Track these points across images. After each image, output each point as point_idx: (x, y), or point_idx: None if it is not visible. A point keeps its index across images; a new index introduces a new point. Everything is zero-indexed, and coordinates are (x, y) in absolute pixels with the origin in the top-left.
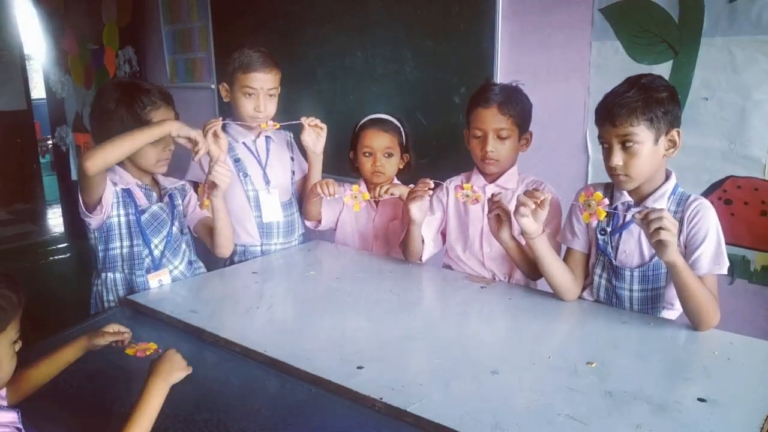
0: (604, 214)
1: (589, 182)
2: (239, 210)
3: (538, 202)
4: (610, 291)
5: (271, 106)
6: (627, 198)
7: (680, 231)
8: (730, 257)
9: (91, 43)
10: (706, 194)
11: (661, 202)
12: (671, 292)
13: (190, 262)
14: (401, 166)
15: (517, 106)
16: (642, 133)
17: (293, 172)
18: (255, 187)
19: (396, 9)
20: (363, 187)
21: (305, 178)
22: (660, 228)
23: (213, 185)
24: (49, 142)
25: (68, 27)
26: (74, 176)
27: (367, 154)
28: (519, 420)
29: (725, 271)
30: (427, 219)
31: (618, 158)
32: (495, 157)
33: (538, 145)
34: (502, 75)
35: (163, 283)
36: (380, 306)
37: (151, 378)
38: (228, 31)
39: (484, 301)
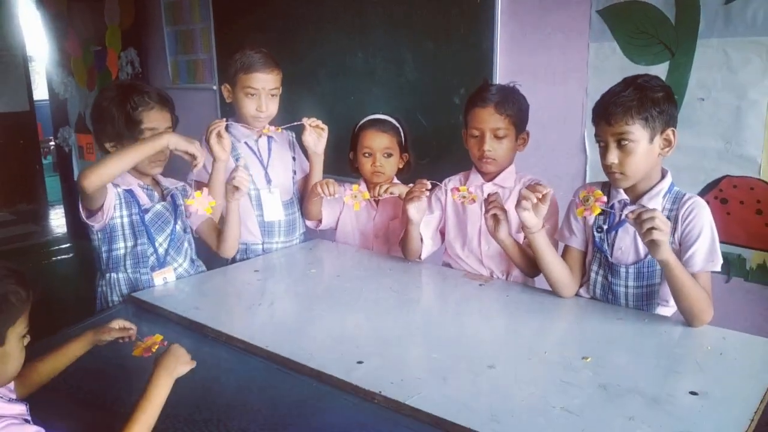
0: (599, 210)
1: (587, 182)
2: (241, 209)
3: (540, 196)
4: (606, 287)
5: (272, 106)
6: (623, 196)
7: (675, 229)
8: (726, 256)
9: (94, 45)
10: (703, 193)
11: (657, 200)
12: (666, 289)
13: (192, 260)
14: (401, 166)
15: (513, 106)
16: (637, 132)
17: (295, 172)
18: (257, 186)
19: (396, 11)
20: (363, 186)
21: (306, 178)
22: (652, 228)
23: (234, 189)
24: (52, 143)
25: (71, 29)
26: (77, 177)
27: (366, 155)
28: (514, 412)
29: (719, 268)
30: (425, 218)
31: (613, 156)
32: (492, 156)
33: (536, 145)
34: (501, 76)
35: (168, 281)
36: (380, 303)
37: (156, 372)
38: (230, 33)
39: (483, 298)
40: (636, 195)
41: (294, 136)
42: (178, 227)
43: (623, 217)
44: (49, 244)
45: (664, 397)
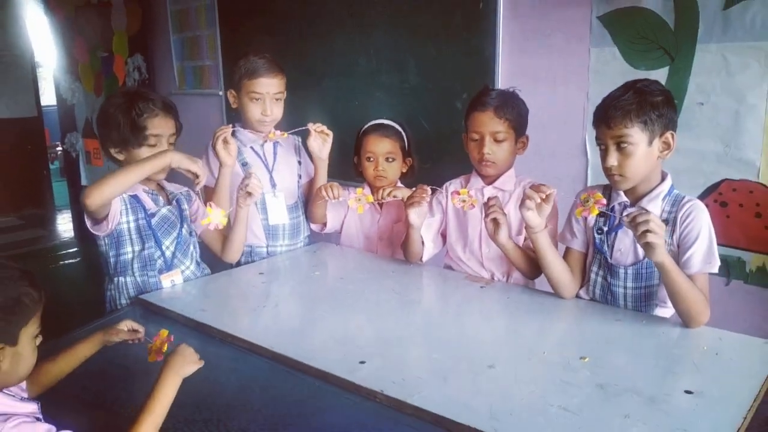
0: (597, 211)
1: (588, 185)
2: None
3: (544, 196)
4: (605, 288)
5: (277, 110)
6: (623, 198)
7: (673, 231)
8: (726, 259)
9: (101, 51)
10: (702, 197)
11: (656, 202)
12: (664, 291)
13: (197, 263)
14: (404, 170)
15: (513, 110)
16: (636, 135)
17: (300, 176)
18: (261, 182)
19: (399, 17)
20: (367, 190)
21: (311, 182)
22: (647, 230)
23: (247, 195)
24: (59, 148)
25: (78, 35)
26: (84, 182)
27: (369, 159)
28: (513, 411)
29: (716, 270)
30: (427, 221)
31: (613, 159)
32: (492, 159)
33: (538, 148)
34: (503, 81)
35: (176, 283)
36: (382, 304)
37: (165, 371)
38: (235, 39)
39: (483, 299)
40: (636, 197)
41: (300, 140)
42: (184, 230)
43: (620, 219)
44: (57, 249)
45: (660, 396)
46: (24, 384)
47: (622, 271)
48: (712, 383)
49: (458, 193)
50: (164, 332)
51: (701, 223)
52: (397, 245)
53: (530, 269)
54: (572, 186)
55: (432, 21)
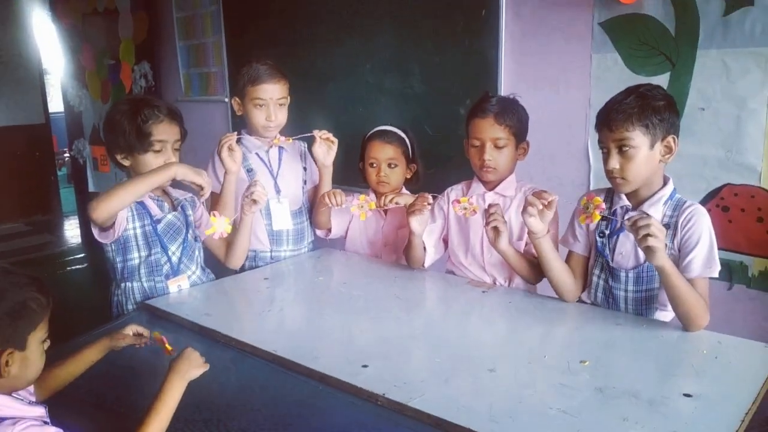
0: (599, 217)
1: (591, 189)
2: None
3: (546, 203)
4: (606, 291)
5: (281, 116)
6: (625, 202)
7: (674, 235)
8: (729, 263)
9: (108, 59)
10: (704, 202)
11: (657, 206)
12: (664, 294)
13: (202, 268)
14: (408, 176)
15: (513, 117)
16: (637, 138)
17: (305, 182)
18: (266, 191)
19: (403, 23)
20: (372, 196)
21: (316, 188)
22: (648, 234)
23: (252, 203)
24: (66, 154)
25: (86, 43)
26: (91, 188)
27: (372, 165)
28: (513, 413)
29: (716, 275)
30: (429, 227)
31: (614, 162)
32: (492, 165)
33: (540, 154)
34: (506, 87)
35: (182, 288)
36: (385, 309)
37: (170, 375)
38: (241, 46)
39: (485, 304)
40: (638, 201)
41: (306, 146)
42: (189, 236)
43: (622, 222)
44: (64, 254)
45: (658, 399)
46: (32, 388)
47: (623, 274)
48: (711, 387)
49: (459, 202)
50: (156, 335)
51: (702, 227)
52: (401, 251)
53: (531, 274)
54: (574, 191)
55: (435, 27)
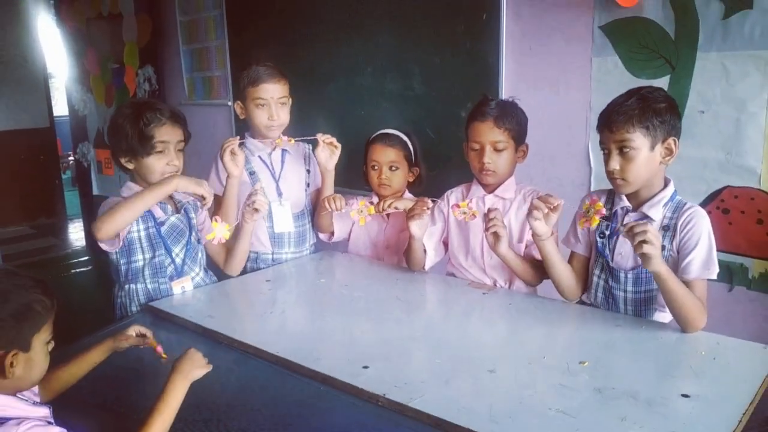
0: (597, 221)
1: (593, 190)
2: None
3: (552, 207)
4: (606, 291)
5: (283, 115)
6: (626, 203)
7: (673, 237)
8: (729, 265)
9: (112, 62)
10: (704, 204)
11: (657, 208)
12: None
13: (205, 270)
14: (411, 179)
15: (512, 120)
16: (638, 140)
17: (308, 185)
18: (268, 198)
19: (404, 27)
20: (375, 198)
21: (319, 191)
22: (644, 241)
23: (254, 211)
24: (71, 158)
25: (90, 47)
26: (95, 191)
27: (374, 168)
28: (512, 413)
29: (714, 276)
30: (429, 229)
31: (615, 163)
32: (492, 168)
33: (541, 156)
34: (506, 89)
35: (186, 290)
36: (386, 310)
37: (173, 375)
38: (244, 50)
39: (486, 306)
40: (638, 202)
41: (311, 148)
42: (192, 238)
43: (618, 228)
44: (68, 257)
45: (657, 399)
46: (36, 389)
47: (622, 274)
48: (710, 387)
49: (458, 206)
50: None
51: (701, 229)
52: (403, 253)
53: (531, 277)
54: (574, 193)
55: (436, 30)
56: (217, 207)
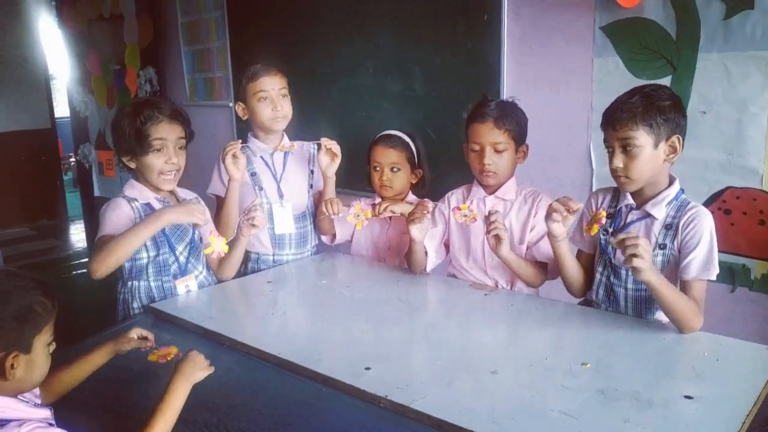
0: (596, 230)
1: (599, 188)
2: None
3: (572, 211)
4: (607, 288)
5: (286, 106)
6: (629, 201)
7: (675, 236)
8: (731, 266)
9: (114, 64)
10: (706, 204)
11: (660, 207)
12: None
13: (208, 268)
14: (414, 181)
15: (512, 121)
16: (641, 138)
17: (311, 186)
18: (269, 200)
19: (405, 28)
20: (366, 205)
21: (321, 193)
22: (634, 255)
23: (251, 227)
24: (72, 159)
25: (91, 48)
26: (97, 193)
27: (376, 169)
28: (515, 415)
29: (714, 278)
30: (430, 231)
31: (618, 160)
32: (493, 169)
33: (542, 157)
34: (507, 90)
35: (190, 289)
36: (387, 312)
37: (175, 377)
38: (245, 51)
39: (487, 307)
40: (642, 200)
41: (316, 148)
42: (195, 236)
43: (609, 240)
44: (70, 259)
45: (659, 401)
46: (37, 390)
47: (623, 271)
48: (712, 389)
49: (459, 209)
50: (174, 348)
51: (703, 229)
52: (404, 256)
53: (533, 278)
54: (575, 193)
55: (437, 31)
56: (219, 209)
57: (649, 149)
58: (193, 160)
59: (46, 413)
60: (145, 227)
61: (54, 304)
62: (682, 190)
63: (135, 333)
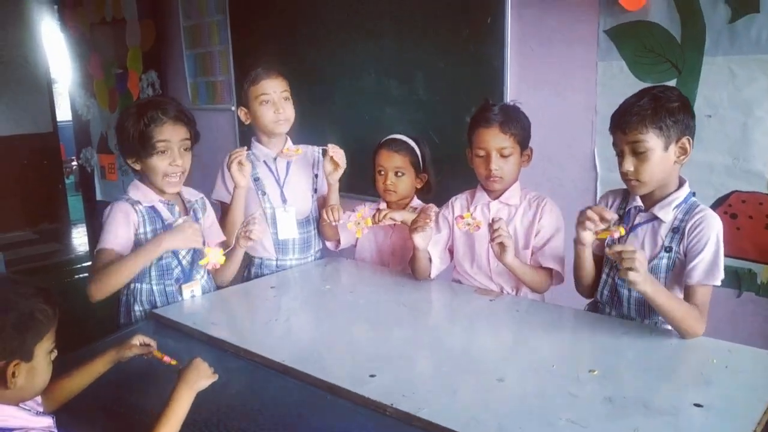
0: (606, 236)
1: (598, 199)
2: None
3: (605, 220)
4: (612, 289)
5: (288, 109)
6: (638, 203)
7: (681, 239)
8: (737, 270)
9: (116, 67)
10: (712, 209)
11: (668, 210)
12: None
13: (208, 272)
14: (419, 186)
15: (517, 125)
16: (651, 141)
17: (315, 190)
18: (272, 204)
19: (408, 31)
20: (367, 212)
21: (324, 198)
22: (629, 268)
23: (248, 239)
24: (74, 163)
25: (93, 51)
26: (99, 196)
27: (380, 173)
28: (522, 424)
29: (718, 283)
30: (434, 237)
31: (629, 164)
32: (499, 174)
33: (546, 161)
34: (511, 93)
35: (195, 294)
36: (392, 318)
37: (179, 385)
38: (247, 55)
39: (493, 313)
40: (651, 202)
41: (321, 152)
42: None
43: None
44: (72, 263)
45: (668, 409)
46: (39, 398)
47: None
48: (722, 396)
49: (462, 217)
50: (174, 362)
51: (709, 234)
52: (408, 263)
53: (538, 285)
54: (580, 199)
55: (440, 34)
56: (224, 215)
57: (659, 152)
58: (194, 163)
59: (48, 421)
60: (144, 254)
61: (55, 311)
62: (692, 193)
63: (137, 340)
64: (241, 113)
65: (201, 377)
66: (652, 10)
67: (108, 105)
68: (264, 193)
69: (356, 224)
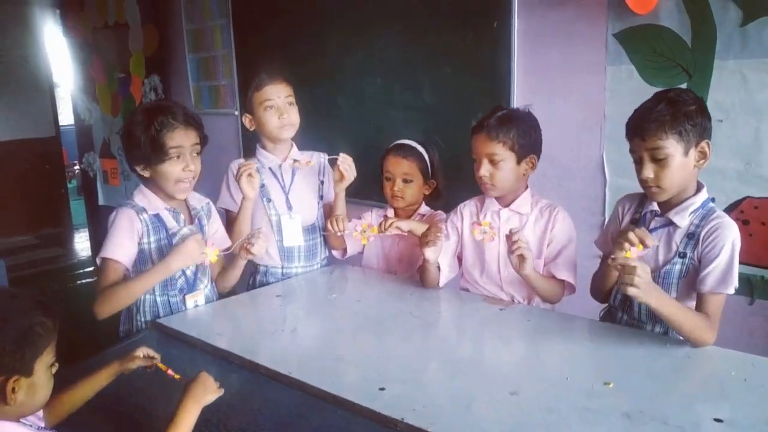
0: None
1: (607, 206)
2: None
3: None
4: (624, 293)
5: (293, 114)
6: (654, 207)
7: (696, 246)
8: (750, 277)
9: (118, 72)
10: None
11: (683, 215)
12: (684, 304)
13: (211, 280)
14: (427, 192)
15: (509, 132)
16: (671, 147)
17: (321, 197)
18: (278, 211)
19: (413, 37)
20: (374, 220)
21: (330, 206)
22: (631, 284)
23: (248, 252)
24: (76, 167)
25: (96, 56)
26: (101, 201)
27: (388, 179)
28: None
29: (731, 292)
30: (443, 245)
31: (649, 171)
32: (488, 180)
33: (555, 168)
34: (518, 99)
35: (199, 304)
36: (401, 328)
37: (185, 399)
38: (250, 59)
39: (503, 322)
40: (668, 207)
41: (327, 158)
42: None
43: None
44: (74, 267)
45: (688, 425)
46: (41, 413)
47: None
48: (742, 411)
49: (479, 224)
50: (178, 376)
51: (723, 241)
52: (417, 267)
53: (552, 295)
54: (590, 207)
55: (446, 39)
56: (230, 224)
57: (679, 157)
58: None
59: None
60: (152, 277)
61: (55, 324)
62: (711, 199)
63: (141, 352)
64: (246, 120)
65: (207, 392)
66: (661, 13)
67: (110, 109)
68: (269, 200)
69: (362, 233)
